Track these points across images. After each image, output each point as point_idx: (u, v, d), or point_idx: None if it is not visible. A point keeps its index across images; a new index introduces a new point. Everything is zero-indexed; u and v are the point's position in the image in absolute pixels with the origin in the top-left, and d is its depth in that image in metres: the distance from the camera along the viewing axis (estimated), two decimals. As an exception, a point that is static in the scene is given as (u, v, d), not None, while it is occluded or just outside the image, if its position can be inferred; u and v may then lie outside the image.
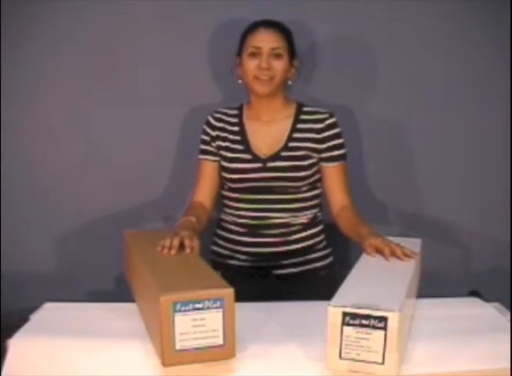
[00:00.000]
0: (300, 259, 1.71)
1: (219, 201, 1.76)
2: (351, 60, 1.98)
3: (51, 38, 1.90)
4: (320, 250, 1.74)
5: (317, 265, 1.74)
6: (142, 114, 1.96)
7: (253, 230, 1.68)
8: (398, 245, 1.39)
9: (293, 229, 1.68)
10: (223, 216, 1.76)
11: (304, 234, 1.70)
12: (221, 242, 1.75)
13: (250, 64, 1.61)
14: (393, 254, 1.36)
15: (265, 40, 1.60)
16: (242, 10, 1.83)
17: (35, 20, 1.88)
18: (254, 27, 1.64)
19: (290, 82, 1.68)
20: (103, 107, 1.96)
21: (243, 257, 1.70)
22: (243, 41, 1.65)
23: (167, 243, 1.34)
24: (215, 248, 1.76)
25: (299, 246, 1.70)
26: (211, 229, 1.77)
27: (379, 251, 1.39)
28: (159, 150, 1.99)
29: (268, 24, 1.63)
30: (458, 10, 1.91)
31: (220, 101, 1.92)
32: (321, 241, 1.76)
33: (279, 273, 1.70)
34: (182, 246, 1.35)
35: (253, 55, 1.61)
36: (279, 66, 1.61)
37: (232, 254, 1.72)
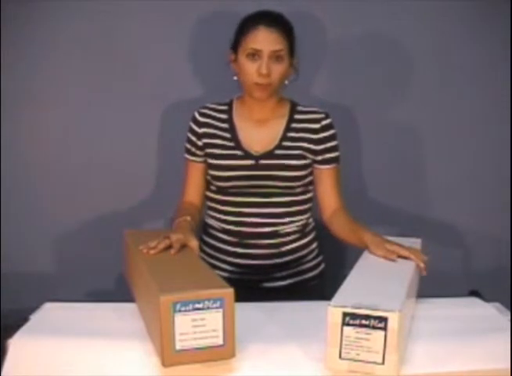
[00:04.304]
0: (290, 271, 1.66)
1: (204, 205, 1.70)
2: (355, 59, 1.98)
3: (50, 38, 1.90)
4: (312, 259, 1.70)
5: (308, 275, 1.69)
6: (142, 114, 1.96)
7: (242, 239, 1.61)
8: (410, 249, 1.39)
9: (284, 240, 1.63)
10: (209, 221, 1.69)
11: (295, 245, 1.65)
12: (207, 249, 1.69)
13: (250, 68, 1.51)
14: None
15: (266, 42, 1.49)
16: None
17: (34, 20, 1.88)
18: (253, 24, 1.51)
19: (286, 82, 1.57)
20: (102, 107, 1.96)
21: (230, 268, 1.64)
22: (240, 37, 1.53)
23: (153, 244, 1.33)
24: (201, 255, 1.65)
25: (290, 258, 1.64)
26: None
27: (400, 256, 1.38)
28: (159, 149, 1.99)
29: (270, 22, 1.50)
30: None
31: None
32: (313, 250, 1.71)
33: (268, 286, 1.65)
34: (182, 246, 1.35)
35: (252, 56, 1.50)
36: (279, 70, 1.51)
37: (219, 263, 1.66)
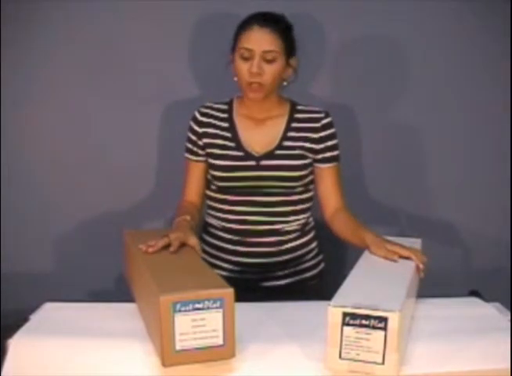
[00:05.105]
0: (291, 270, 1.66)
1: (205, 204, 1.70)
2: (355, 59, 1.98)
3: (50, 38, 1.90)
4: (312, 258, 1.70)
5: (307, 275, 1.69)
6: (142, 114, 1.96)
7: (242, 238, 1.61)
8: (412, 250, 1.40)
9: (285, 238, 1.63)
10: (210, 220, 1.68)
11: (295, 243, 1.65)
12: (208, 248, 1.68)
13: (242, 68, 1.51)
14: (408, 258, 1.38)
15: (258, 41, 1.48)
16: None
17: (34, 20, 1.88)
18: (248, 23, 1.51)
19: (285, 83, 1.58)
20: (102, 107, 1.96)
21: (230, 267, 1.64)
22: (236, 37, 1.54)
23: (152, 243, 1.33)
24: (202, 255, 1.64)
25: (290, 256, 1.64)
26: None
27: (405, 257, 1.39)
28: (159, 149, 1.99)
29: (264, 22, 1.49)
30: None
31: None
32: (312, 250, 1.71)
33: (267, 286, 1.65)
34: (181, 245, 1.35)
35: (244, 57, 1.50)
36: (271, 70, 1.50)
37: (220, 262, 1.65)
